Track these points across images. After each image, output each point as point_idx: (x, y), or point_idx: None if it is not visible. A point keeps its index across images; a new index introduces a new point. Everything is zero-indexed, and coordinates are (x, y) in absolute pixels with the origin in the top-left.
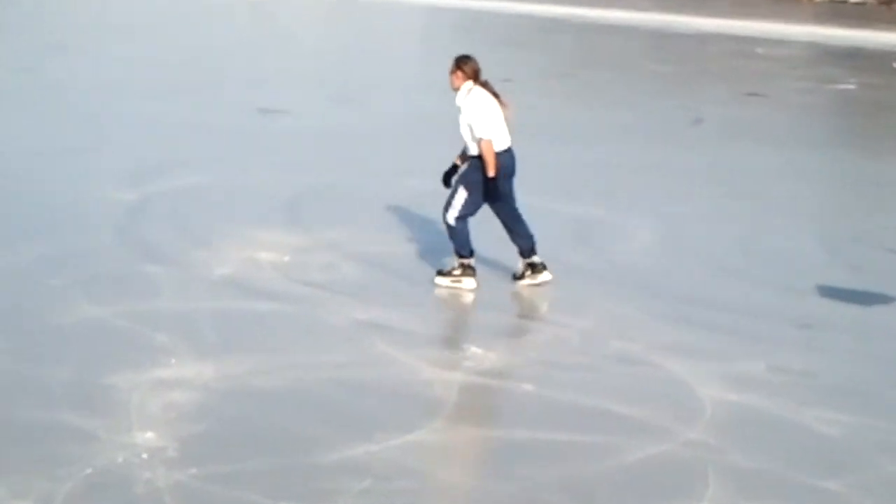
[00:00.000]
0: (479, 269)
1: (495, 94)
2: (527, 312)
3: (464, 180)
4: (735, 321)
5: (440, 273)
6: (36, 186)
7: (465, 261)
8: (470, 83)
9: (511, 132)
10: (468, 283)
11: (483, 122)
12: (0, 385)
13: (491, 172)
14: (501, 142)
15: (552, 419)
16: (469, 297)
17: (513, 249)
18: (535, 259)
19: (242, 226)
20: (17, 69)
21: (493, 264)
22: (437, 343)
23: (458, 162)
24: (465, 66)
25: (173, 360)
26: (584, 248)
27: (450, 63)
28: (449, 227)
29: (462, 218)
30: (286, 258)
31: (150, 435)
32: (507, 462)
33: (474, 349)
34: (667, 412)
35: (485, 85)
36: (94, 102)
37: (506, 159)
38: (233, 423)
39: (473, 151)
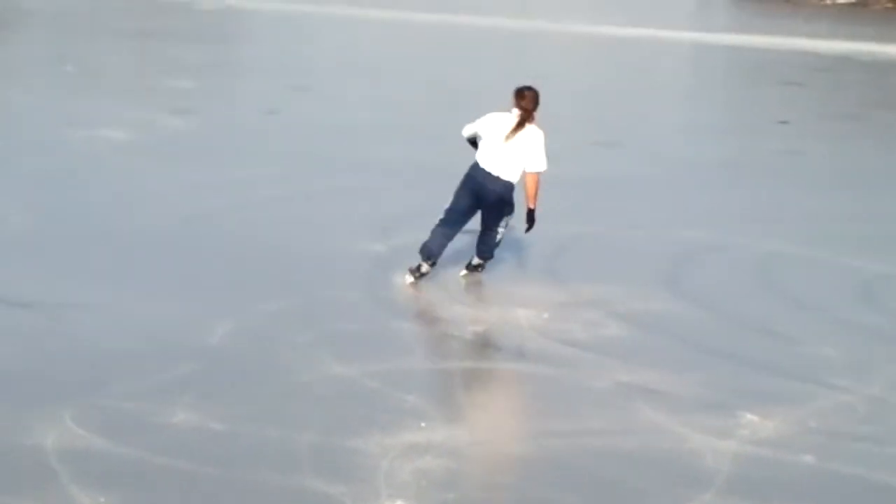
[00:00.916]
0: (752, 332)
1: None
2: (807, 376)
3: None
4: None
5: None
6: (279, 235)
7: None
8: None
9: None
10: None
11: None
12: (243, 449)
13: (532, 203)
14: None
15: (835, 495)
16: (744, 361)
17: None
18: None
19: (498, 280)
20: (259, 111)
21: (770, 325)
22: (708, 409)
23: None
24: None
25: (423, 424)
26: (870, 306)
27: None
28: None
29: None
30: (545, 315)
31: (399, 503)
32: None
33: (749, 416)
34: None
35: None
36: (339, 146)
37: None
38: (486, 492)
39: (516, 178)
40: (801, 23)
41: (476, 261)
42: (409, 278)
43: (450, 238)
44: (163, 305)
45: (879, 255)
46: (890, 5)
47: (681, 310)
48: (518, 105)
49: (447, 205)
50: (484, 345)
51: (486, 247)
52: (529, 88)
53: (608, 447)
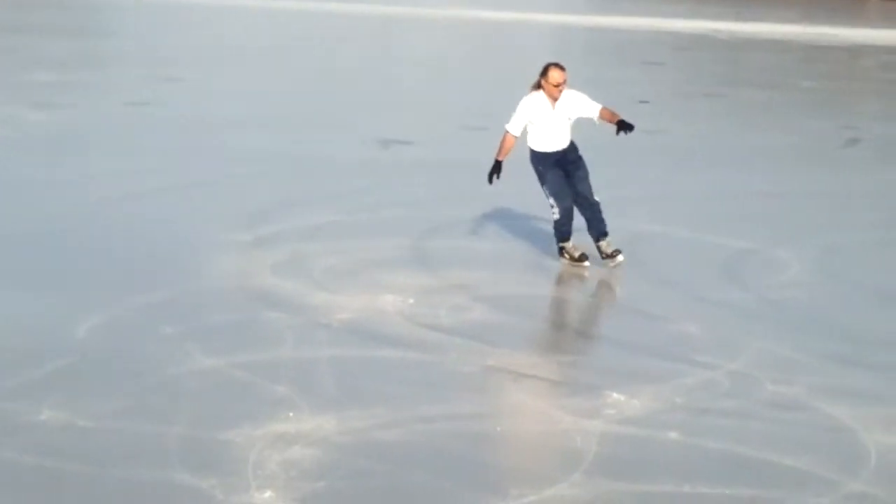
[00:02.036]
0: (618, 312)
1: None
2: (672, 354)
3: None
4: None
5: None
6: (147, 228)
7: (564, 247)
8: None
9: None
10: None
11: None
12: (112, 445)
13: (619, 116)
14: (538, 142)
15: (701, 471)
16: (610, 341)
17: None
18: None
19: (364, 266)
20: (127, 103)
21: (636, 305)
22: (575, 390)
23: (501, 157)
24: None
25: (291, 414)
26: (733, 283)
27: (562, 72)
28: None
29: (557, 209)
30: (411, 300)
31: (268, 494)
32: None
33: (616, 395)
34: (828, 461)
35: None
36: (206, 138)
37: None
38: (356, 480)
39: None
40: (661, 3)
41: (606, 243)
42: (577, 262)
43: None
44: (28, 302)
45: (740, 232)
46: None
47: (547, 292)
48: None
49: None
50: (351, 332)
51: (601, 219)
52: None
53: (478, 431)
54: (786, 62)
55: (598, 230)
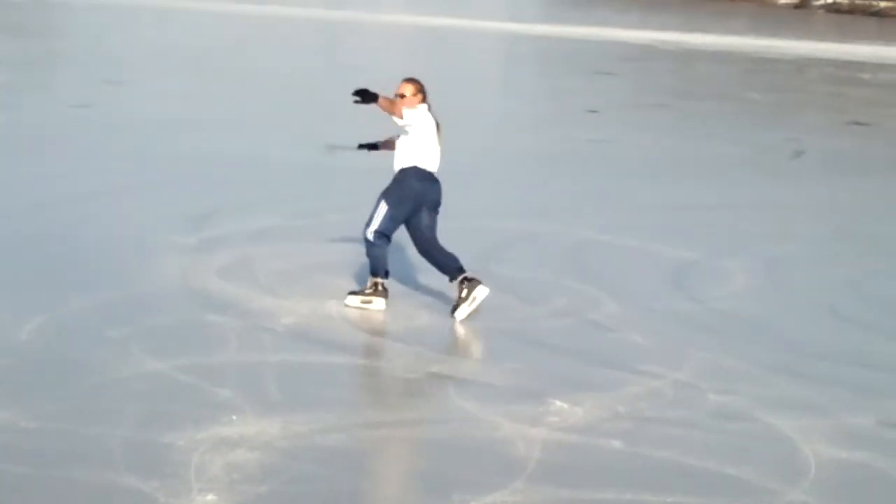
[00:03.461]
0: (563, 321)
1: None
2: (617, 363)
3: (386, 195)
4: (843, 372)
5: (352, 293)
6: (90, 230)
7: (379, 280)
8: (424, 107)
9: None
10: (378, 303)
11: (420, 121)
12: (54, 445)
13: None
14: (430, 164)
15: (643, 479)
16: (554, 349)
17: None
18: (468, 275)
19: (310, 271)
20: (71, 105)
21: (581, 314)
22: (518, 397)
23: (381, 142)
24: (423, 88)
25: (234, 417)
26: (679, 293)
27: (410, 85)
28: (367, 242)
29: (380, 234)
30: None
31: (211, 497)
32: None
33: (559, 403)
34: (769, 471)
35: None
36: (151, 140)
37: (428, 187)
38: (298, 485)
39: (402, 164)
40: (611, 13)
41: (463, 276)
42: (382, 304)
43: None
44: None
45: (687, 242)
46: None
47: (491, 299)
48: (426, 99)
49: (380, 216)
50: (296, 337)
51: (443, 262)
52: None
53: (421, 437)
54: (733, 74)
55: None
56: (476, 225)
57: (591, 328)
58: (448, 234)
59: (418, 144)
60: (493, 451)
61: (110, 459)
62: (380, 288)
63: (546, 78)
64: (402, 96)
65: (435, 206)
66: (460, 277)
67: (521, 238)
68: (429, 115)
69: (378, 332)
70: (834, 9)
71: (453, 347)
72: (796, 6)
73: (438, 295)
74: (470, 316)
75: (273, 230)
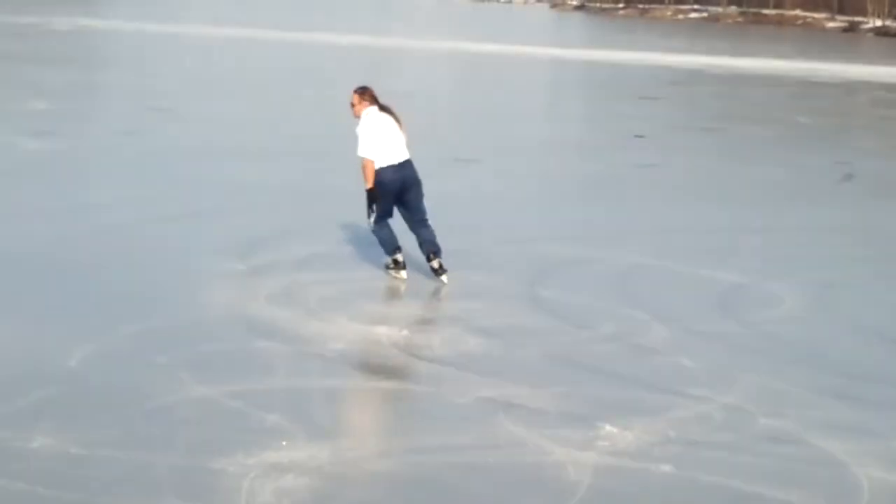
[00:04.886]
0: (612, 345)
1: (394, 116)
2: (665, 387)
3: (368, 196)
4: (893, 394)
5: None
6: (139, 257)
7: (394, 258)
8: (372, 108)
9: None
10: (402, 273)
11: (363, 142)
12: (104, 473)
13: (368, 185)
14: (392, 157)
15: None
16: (603, 373)
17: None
18: (434, 265)
19: (358, 296)
20: (118, 133)
21: (629, 337)
22: (568, 421)
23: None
24: (365, 94)
25: (284, 443)
26: (727, 316)
27: (355, 95)
28: (374, 233)
29: (379, 221)
30: (405, 332)
31: None
32: None
33: (609, 427)
34: (820, 495)
35: (384, 108)
36: (198, 167)
37: (398, 176)
38: None
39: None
40: (656, 37)
41: (433, 264)
42: (403, 274)
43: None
44: (21, 330)
45: (735, 266)
46: (740, 19)
47: (541, 324)
48: (376, 101)
49: (374, 212)
50: (344, 362)
51: (428, 239)
52: (365, 87)
53: (471, 462)
54: (780, 97)
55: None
56: (524, 249)
57: (639, 352)
58: (496, 258)
59: (375, 147)
60: (544, 476)
61: (159, 486)
62: (399, 262)
63: (592, 103)
64: (352, 105)
65: (413, 185)
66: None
67: (568, 262)
68: (378, 115)
69: (426, 357)
70: (883, 32)
71: (502, 372)
72: (845, 30)
73: (487, 319)
74: (500, 337)
75: (320, 256)
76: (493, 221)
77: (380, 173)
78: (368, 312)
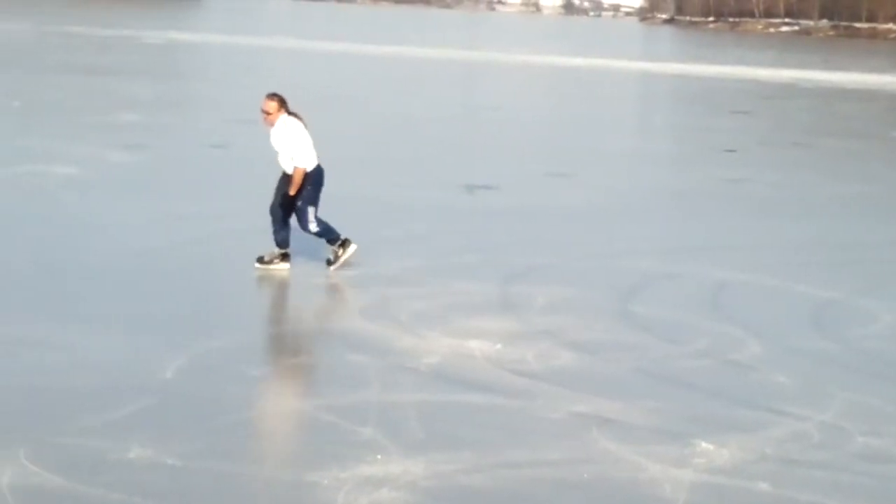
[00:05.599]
0: (705, 361)
1: (302, 119)
2: (761, 404)
3: (308, 201)
4: None
5: (329, 262)
6: (230, 269)
7: (340, 240)
8: (284, 115)
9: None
10: (349, 251)
11: (302, 152)
12: (199, 485)
13: (293, 192)
14: (313, 160)
15: None
16: (697, 389)
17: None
18: (279, 251)
19: (450, 311)
20: (208, 145)
21: (723, 353)
22: (663, 437)
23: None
24: (283, 102)
25: (379, 456)
26: (821, 332)
27: (266, 101)
28: (315, 233)
29: (318, 221)
30: (498, 346)
31: None
32: None
33: (704, 444)
34: None
35: (294, 115)
36: None
37: (323, 175)
38: None
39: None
40: (746, 51)
41: (280, 251)
42: (351, 250)
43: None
44: (115, 341)
45: (828, 281)
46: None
47: (633, 339)
48: (287, 110)
49: (312, 214)
50: (438, 376)
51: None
52: (277, 93)
53: (565, 477)
54: (873, 112)
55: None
56: (615, 264)
57: (733, 368)
58: (587, 272)
59: (300, 150)
60: (638, 492)
61: (253, 498)
62: (345, 242)
63: (682, 116)
64: (269, 113)
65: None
66: (280, 252)
67: (660, 277)
68: (291, 119)
69: (520, 372)
70: None
71: (595, 387)
72: None
73: (579, 334)
74: (593, 352)
75: (412, 270)
76: (583, 235)
77: (317, 173)
78: (460, 326)
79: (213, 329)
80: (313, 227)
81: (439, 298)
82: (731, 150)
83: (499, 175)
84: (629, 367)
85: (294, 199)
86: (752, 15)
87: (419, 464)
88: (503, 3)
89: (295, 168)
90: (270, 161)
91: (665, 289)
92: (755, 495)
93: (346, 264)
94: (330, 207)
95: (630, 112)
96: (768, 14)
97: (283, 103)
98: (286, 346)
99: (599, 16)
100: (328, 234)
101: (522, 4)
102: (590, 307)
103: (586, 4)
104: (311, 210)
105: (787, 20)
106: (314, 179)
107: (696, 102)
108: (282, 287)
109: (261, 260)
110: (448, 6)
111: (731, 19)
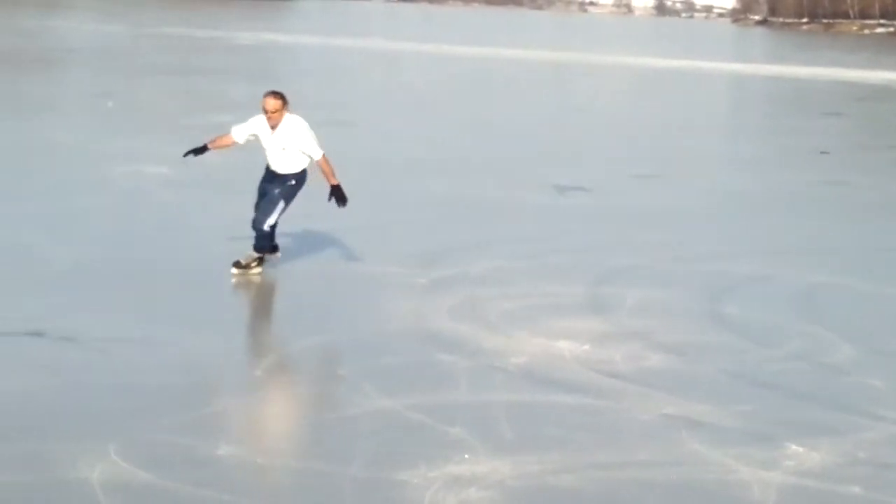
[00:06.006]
0: (797, 364)
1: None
2: (853, 407)
3: (286, 197)
4: None
5: (237, 264)
6: (320, 269)
7: (265, 255)
8: (287, 113)
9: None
10: (260, 269)
11: (313, 142)
12: (288, 483)
13: (334, 181)
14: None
15: None
16: (788, 392)
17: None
18: (256, 255)
19: (539, 311)
20: None
21: (815, 356)
22: (752, 440)
23: (210, 146)
24: (284, 99)
25: (467, 456)
26: None
27: (273, 100)
28: (262, 231)
29: (275, 226)
30: (587, 346)
31: None
32: None
33: (795, 447)
34: None
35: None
36: (380, 181)
37: (305, 174)
38: None
39: (295, 169)
40: (840, 53)
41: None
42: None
43: None
44: (206, 339)
45: None
46: None
47: (724, 341)
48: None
49: (279, 212)
50: (527, 376)
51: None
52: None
53: (654, 479)
54: None
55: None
56: (707, 267)
57: (825, 371)
58: (677, 273)
59: (315, 142)
60: (727, 494)
61: (341, 496)
62: (262, 259)
63: (775, 119)
64: (275, 112)
65: None
66: (257, 256)
67: (752, 280)
68: (295, 116)
69: (609, 373)
70: None
71: (685, 389)
72: None
73: (668, 335)
74: (682, 353)
75: (501, 270)
76: (673, 237)
77: (305, 174)
78: (549, 327)
79: (302, 329)
80: (271, 220)
81: (528, 299)
82: (824, 153)
83: (589, 176)
84: (719, 368)
85: (273, 188)
86: (846, 16)
87: (507, 464)
88: (595, 4)
89: (322, 157)
90: (362, 161)
91: (756, 291)
92: (846, 499)
93: (349, 261)
94: (419, 208)
95: (721, 113)
96: (863, 15)
97: (286, 101)
98: (375, 346)
99: (692, 17)
100: (268, 239)
101: (614, 5)
102: (679, 309)
103: (678, 6)
104: (281, 206)
105: (882, 21)
106: (301, 178)
107: (790, 104)
108: (371, 288)
109: (237, 264)
110: (540, 7)
111: (825, 20)
